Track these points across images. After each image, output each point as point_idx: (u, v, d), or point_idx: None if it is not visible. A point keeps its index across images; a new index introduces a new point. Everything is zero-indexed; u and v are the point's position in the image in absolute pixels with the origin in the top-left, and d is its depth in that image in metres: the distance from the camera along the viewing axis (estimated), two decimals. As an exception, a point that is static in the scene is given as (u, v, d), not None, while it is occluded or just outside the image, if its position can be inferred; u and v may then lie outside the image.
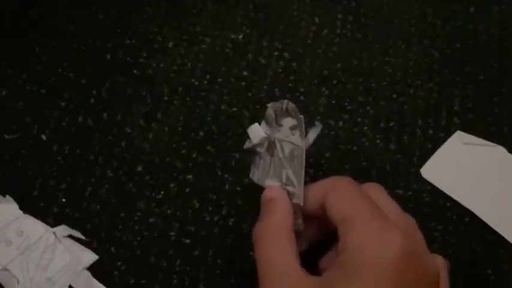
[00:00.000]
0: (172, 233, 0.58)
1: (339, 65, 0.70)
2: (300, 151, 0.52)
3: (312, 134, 0.53)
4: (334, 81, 0.68)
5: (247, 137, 0.57)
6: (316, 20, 0.74)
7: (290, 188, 0.51)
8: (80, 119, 0.66)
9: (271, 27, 0.73)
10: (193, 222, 0.59)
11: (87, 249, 0.53)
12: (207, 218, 0.59)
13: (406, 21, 0.73)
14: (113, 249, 0.58)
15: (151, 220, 0.59)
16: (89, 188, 0.62)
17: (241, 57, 0.71)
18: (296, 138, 0.53)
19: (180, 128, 0.66)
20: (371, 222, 0.40)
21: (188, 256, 0.57)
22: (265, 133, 0.54)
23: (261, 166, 0.55)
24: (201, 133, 0.66)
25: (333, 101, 0.67)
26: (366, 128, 0.65)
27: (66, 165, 0.63)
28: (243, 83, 0.69)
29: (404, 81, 0.69)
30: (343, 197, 0.42)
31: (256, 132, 0.55)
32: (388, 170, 0.63)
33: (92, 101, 0.67)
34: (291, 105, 0.53)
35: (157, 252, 0.58)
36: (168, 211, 0.60)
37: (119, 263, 0.57)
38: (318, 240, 0.50)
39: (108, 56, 0.71)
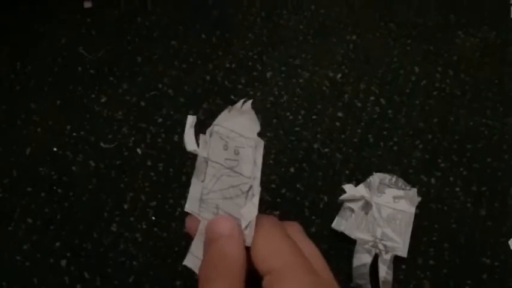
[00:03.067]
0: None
1: (435, 120, 0.69)
2: (406, 215, 0.54)
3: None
4: (429, 136, 0.68)
5: (343, 190, 0.59)
6: (416, 69, 0.74)
7: (388, 243, 0.54)
8: (176, 138, 0.67)
9: (370, 70, 0.73)
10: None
11: None
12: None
13: (507, 83, 0.72)
14: (196, 276, 0.59)
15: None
16: (179, 210, 0.63)
17: (338, 97, 0.71)
18: (400, 205, 0.55)
19: (271, 161, 0.66)
20: (301, 278, 0.36)
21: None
22: (363, 195, 0.56)
23: (352, 220, 0.57)
24: (292, 169, 0.66)
25: (427, 156, 0.67)
26: (457, 189, 0.65)
27: (159, 183, 0.64)
28: (337, 124, 0.69)
29: (500, 146, 0.68)
30: (270, 246, 0.38)
31: (351, 190, 0.57)
32: (477, 237, 0.62)
33: (189, 121, 0.68)
34: (401, 180, 0.56)
35: None
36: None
37: (203, 291, 0.57)
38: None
39: (208, 78, 0.72)
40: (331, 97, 0.70)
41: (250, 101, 0.40)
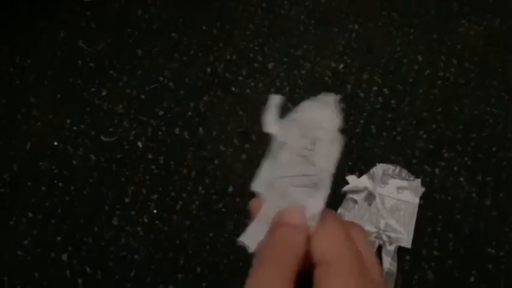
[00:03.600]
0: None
1: (439, 109, 0.68)
2: (410, 206, 0.53)
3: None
4: (433, 126, 0.67)
5: (346, 181, 0.59)
6: (420, 58, 0.73)
7: (392, 234, 0.53)
8: (177, 130, 0.66)
9: (373, 60, 0.72)
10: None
11: None
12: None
13: (511, 71, 0.71)
14: (198, 269, 0.59)
15: (238, 244, 0.59)
16: (180, 203, 0.62)
17: (340, 88, 0.70)
18: (404, 196, 0.54)
19: (273, 153, 0.66)
20: (352, 277, 0.37)
21: None
22: (366, 186, 0.55)
23: (355, 211, 0.56)
24: (294, 161, 0.65)
25: (430, 146, 0.66)
26: (462, 179, 0.64)
27: (160, 176, 0.64)
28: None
29: (504, 135, 0.67)
30: (331, 240, 0.38)
31: (354, 181, 0.56)
32: (482, 227, 0.61)
33: (190, 113, 0.67)
34: (404, 171, 0.55)
35: (242, 280, 0.58)
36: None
37: (204, 284, 0.57)
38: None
39: (209, 70, 0.71)
40: (333, 87, 0.69)
41: (334, 95, 0.40)
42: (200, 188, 0.62)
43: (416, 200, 0.59)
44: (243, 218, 0.61)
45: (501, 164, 0.65)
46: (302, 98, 0.67)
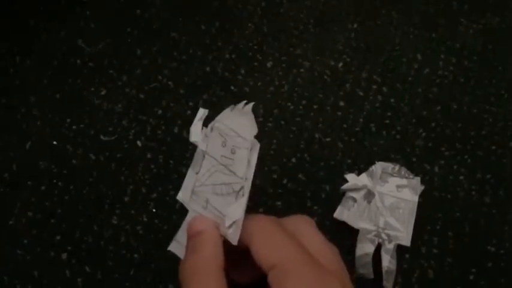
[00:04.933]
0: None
1: (438, 107, 0.68)
2: (409, 204, 0.53)
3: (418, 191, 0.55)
4: (433, 124, 0.67)
5: (345, 179, 0.59)
6: (419, 57, 0.73)
7: (391, 232, 0.53)
8: (176, 129, 0.66)
9: (372, 58, 0.72)
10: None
11: None
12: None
13: (511, 69, 0.71)
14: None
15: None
16: (180, 202, 0.62)
17: (339, 86, 0.70)
18: (403, 194, 0.54)
19: (272, 152, 0.66)
20: (305, 271, 0.37)
21: None
22: (365, 184, 0.55)
23: (354, 209, 0.56)
24: (293, 160, 0.66)
25: (430, 144, 0.66)
26: (461, 177, 0.64)
27: (159, 175, 0.64)
28: (339, 113, 0.68)
29: (504, 133, 0.67)
30: (271, 242, 0.38)
31: (353, 179, 0.56)
32: (482, 225, 0.61)
33: (189, 112, 0.68)
34: (404, 169, 0.55)
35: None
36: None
37: (204, 283, 0.57)
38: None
39: (208, 69, 0.71)
40: (332, 86, 0.69)
41: (251, 104, 0.40)
42: (199, 187, 0.62)
43: (416, 198, 0.59)
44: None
45: (501, 161, 0.65)
46: (301, 97, 0.67)
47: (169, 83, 0.69)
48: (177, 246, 0.42)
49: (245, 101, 0.40)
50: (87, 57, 0.71)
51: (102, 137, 0.65)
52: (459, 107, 0.68)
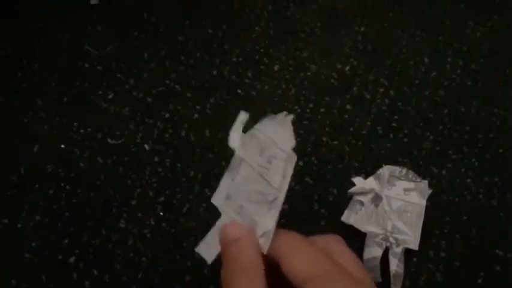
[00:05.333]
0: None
1: (445, 111, 0.68)
2: (417, 207, 0.53)
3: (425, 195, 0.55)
4: (440, 127, 0.67)
5: (352, 183, 0.59)
6: (426, 60, 0.73)
7: (399, 236, 0.53)
8: (183, 133, 0.67)
9: (379, 61, 0.72)
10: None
11: None
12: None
13: (518, 72, 0.71)
14: (205, 270, 0.59)
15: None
16: (187, 205, 0.62)
17: (346, 90, 0.70)
18: (411, 197, 0.54)
19: (279, 155, 0.66)
20: (343, 282, 0.38)
21: None
22: (373, 188, 0.55)
23: (361, 213, 0.56)
24: (301, 163, 0.66)
25: (437, 148, 0.66)
26: (469, 180, 0.64)
27: (167, 178, 0.64)
28: (346, 116, 0.68)
29: (511, 136, 0.67)
30: (304, 256, 0.39)
31: (360, 183, 0.56)
32: (489, 228, 0.61)
33: (196, 116, 0.68)
34: (411, 172, 0.55)
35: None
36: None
37: (211, 287, 0.57)
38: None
39: (215, 72, 0.71)
40: (339, 89, 0.69)
41: (291, 116, 0.41)
42: (207, 191, 0.62)
43: (424, 202, 0.59)
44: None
45: (508, 165, 0.65)
46: (308, 100, 0.67)
47: (177, 86, 0.69)
48: (206, 249, 0.42)
49: (285, 112, 0.41)
50: (95, 61, 0.71)
51: (109, 140, 0.65)
52: (467, 110, 0.68)
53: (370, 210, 0.57)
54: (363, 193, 0.58)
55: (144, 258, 0.59)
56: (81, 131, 0.66)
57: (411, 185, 0.58)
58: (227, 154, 0.61)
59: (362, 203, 0.58)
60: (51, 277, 0.58)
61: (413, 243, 0.55)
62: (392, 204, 0.56)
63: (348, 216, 0.59)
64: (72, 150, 0.65)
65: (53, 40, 0.73)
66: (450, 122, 0.68)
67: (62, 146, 0.65)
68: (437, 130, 0.67)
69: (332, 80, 0.71)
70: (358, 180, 0.60)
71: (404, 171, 0.59)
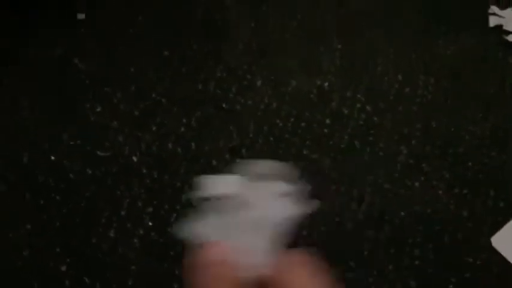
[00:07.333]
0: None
1: (418, 125, 0.72)
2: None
3: (306, 209, 0.46)
4: (413, 141, 0.71)
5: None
6: (399, 77, 0.77)
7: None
8: (170, 145, 0.69)
9: (356, 77, 0.76)
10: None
11: None
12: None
13: (487, 89, 0.76)
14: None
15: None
16: (174, 215, 0.65)
17: (325, 105, 0.74)
18: (284, 205, 0.45)
19: (262, 167, 0.69)
20: None
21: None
22: (238, 191, 0.47)
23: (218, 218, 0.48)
24: (283, 175, 0.68)
25: (411, 161, 0.70)
26: (440, 192, 0.68)
27: (154, 189, 0.66)
28: (325, 130, 0.72)
29: (480, 150, 0.71)
30: (302, 273, 0.40)
31: (219, 185, 0.49)
32: (460, 237, 0.65)
33: (182, 129, 0.70)
34: (290, 172, 0.46)
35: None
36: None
37: (199, 293, 0.60)
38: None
39: (200, 86, 0.74)
40: (319, 104, 0.73)
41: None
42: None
43: (297, 209, 0.54)
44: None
45: (477, 177, 0.70)
46: (289, 115, 0.70)
47: (163, 100, 0.72)
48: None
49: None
50: (83, 75, 0.73)
51: (98, 152, 0.68)
52: (438, 125, 0.72)
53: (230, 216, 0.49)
54: (222, 197, 0.52)
55: (133, 267, 0.62)
56: (71, 143, 0.68)
57: (286, 187, 0.51)
58: (212, 166, 0.64)
59: (224, 207, 0.52)
60: (43, 285, 0.60)
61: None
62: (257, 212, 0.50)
63: (187, 227, 0.53)
64: (61, 162, 0.67)
65: (41, 55, 0.75)
66: (423, 137, 0.72)
67: (52, 157, 0.68)
68: (411, 144, 0.71)
69: (311, 96, 0.74)
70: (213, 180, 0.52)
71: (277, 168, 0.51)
